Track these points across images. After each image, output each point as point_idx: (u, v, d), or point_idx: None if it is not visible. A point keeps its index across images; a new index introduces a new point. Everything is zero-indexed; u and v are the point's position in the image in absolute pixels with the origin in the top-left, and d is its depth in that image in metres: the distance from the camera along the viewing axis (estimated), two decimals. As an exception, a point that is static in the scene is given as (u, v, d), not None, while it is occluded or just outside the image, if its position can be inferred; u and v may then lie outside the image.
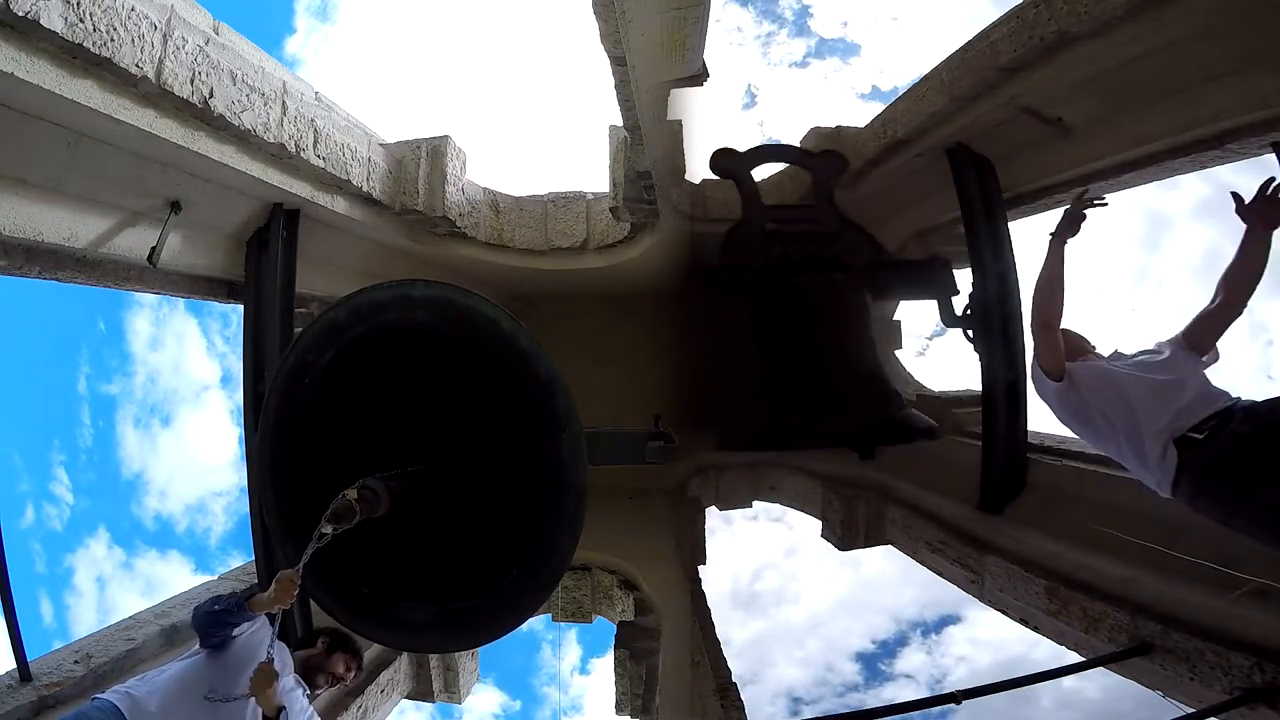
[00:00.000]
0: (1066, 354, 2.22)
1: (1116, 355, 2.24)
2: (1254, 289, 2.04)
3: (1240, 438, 1.77)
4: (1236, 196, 2.09)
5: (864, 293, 3.74)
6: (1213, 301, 2.08)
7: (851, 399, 3.37)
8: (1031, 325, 2.25)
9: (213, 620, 1.97)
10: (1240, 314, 2.05)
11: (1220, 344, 2.10)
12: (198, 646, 2.05)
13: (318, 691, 2.24)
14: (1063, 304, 2.19)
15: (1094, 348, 2.31)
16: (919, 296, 4.02)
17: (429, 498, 2.06)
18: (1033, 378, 2.33)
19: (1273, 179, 2.04)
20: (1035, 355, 2.27)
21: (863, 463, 4.21)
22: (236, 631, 2.01)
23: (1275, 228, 2.04)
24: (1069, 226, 2.28)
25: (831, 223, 3.79)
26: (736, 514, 5.89)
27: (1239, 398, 1.92)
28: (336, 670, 2.28)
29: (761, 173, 4.27)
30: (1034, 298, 2.24)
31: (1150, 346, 2.18)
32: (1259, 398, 1.89)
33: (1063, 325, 2.25)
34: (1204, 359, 2.08)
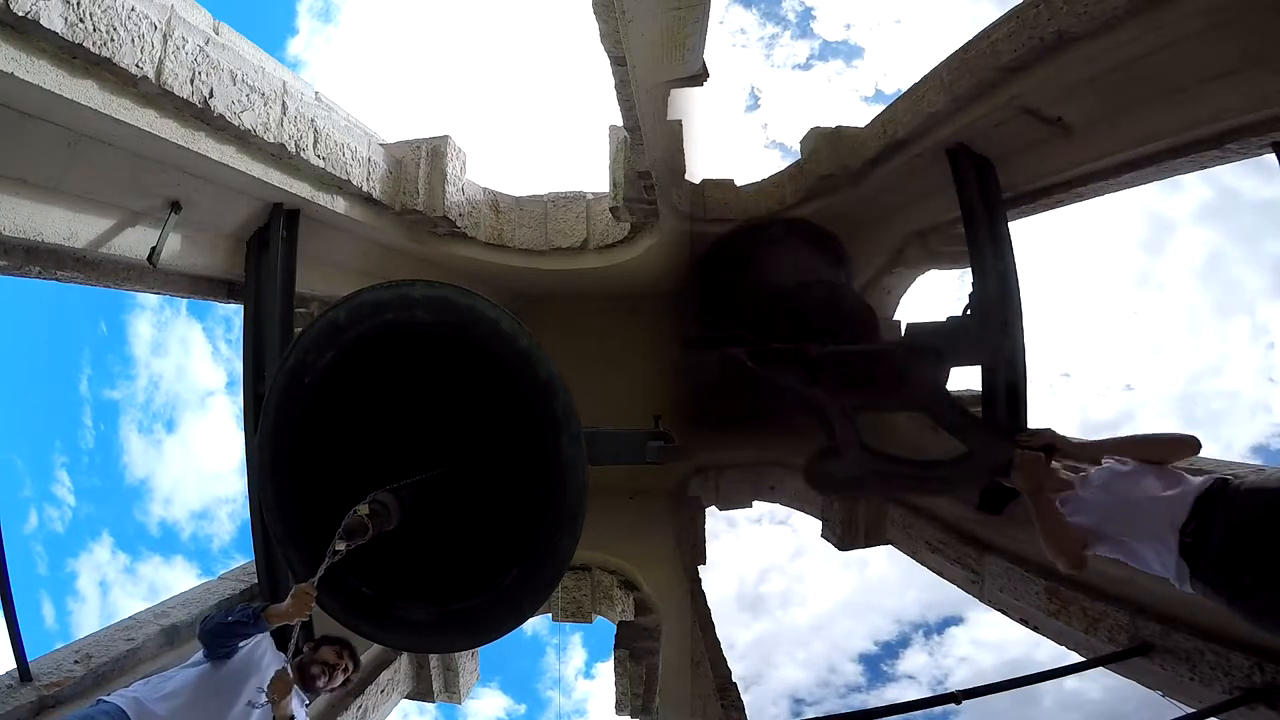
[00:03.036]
0: (1053, 487, 2.14)
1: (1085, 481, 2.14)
2: (1160, 451, 2.00)
3: (1221, 550, 1.74)
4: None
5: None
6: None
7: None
8: (1052, 556, 2.14)
9: (226, 631, 1.99)
10: (1193, 454, 2.01)
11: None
12: (201, 655, 2.05)
13: (318, 685, 2.24)
14: (1073, 541, 2.08)
15: (1081, 474, 2.19)
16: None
17: (429, 498, 2.06)
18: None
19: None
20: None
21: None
22: (243, 643, 2.02)
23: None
24: (1035, 484, 2.17)
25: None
26: (741, 517, 5.91)
27: (1207, 479, 1.87)
28: (326, 659, 2.27)
29: (762, 172, 4.27)
30: (1048, 550, 2.13)
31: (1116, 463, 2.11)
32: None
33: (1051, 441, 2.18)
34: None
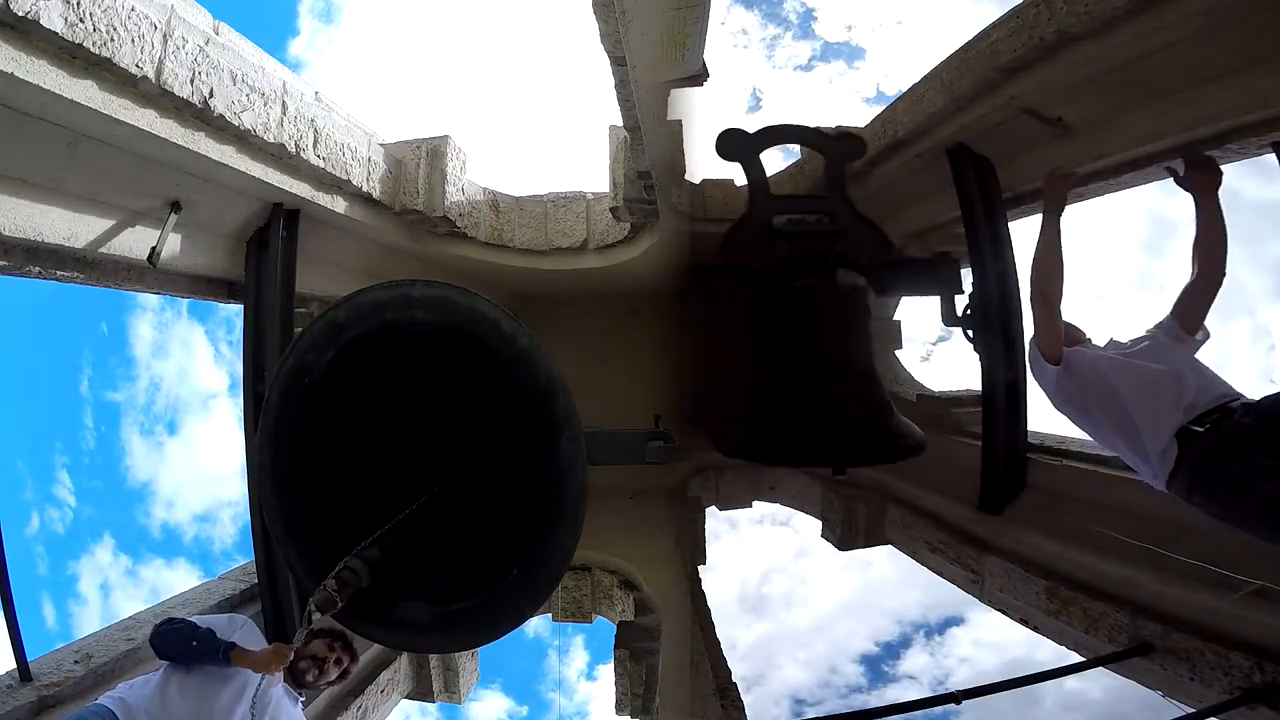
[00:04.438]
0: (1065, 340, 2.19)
1: (1112, 344, 2.21)
2: (1224, 254, 2.05)
3: (1243, 429, 1.75)
4: (1171, 170, 2.14)
5: (868, 295, 3.68)
6: (1192, 277, 2.09)
7: (844, 413, 3.32)
8: (1031, 300, 2.20)
9: (185, 652, 1.98)
10: (1220, 282, 2.05)
11: (1210, 324, 2.10)
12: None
13: (308, 680, 2.23)
14: (1063, 279, 2.15)
15: (1089, 339, 2.28)
16: (923, 293, 3.98)
17: (430, 499, 2.06)
18: (1030, 360, 2.27)
19: (1191, 147, 2.08)
20: (1034, 335, 2.21)
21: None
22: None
23: (1215, 189, 2.07)
24: (1055, 201, 2.28)
25: (844, 216, 3.60)
26: (743, 518, 5.93)
27: (1238, 392, 1.91)
28: (318, 653, 2.24)
29: (766, 169, 4.24)
30: (1032, 272, 2.20)
31: (1144, 333, 2.15)
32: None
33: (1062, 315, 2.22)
34: (1196, 338, 2.07)
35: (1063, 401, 2.20)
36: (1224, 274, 2.07)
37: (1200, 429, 1.80)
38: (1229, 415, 1.81)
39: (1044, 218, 2.27)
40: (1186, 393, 1.87)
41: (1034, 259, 2.22)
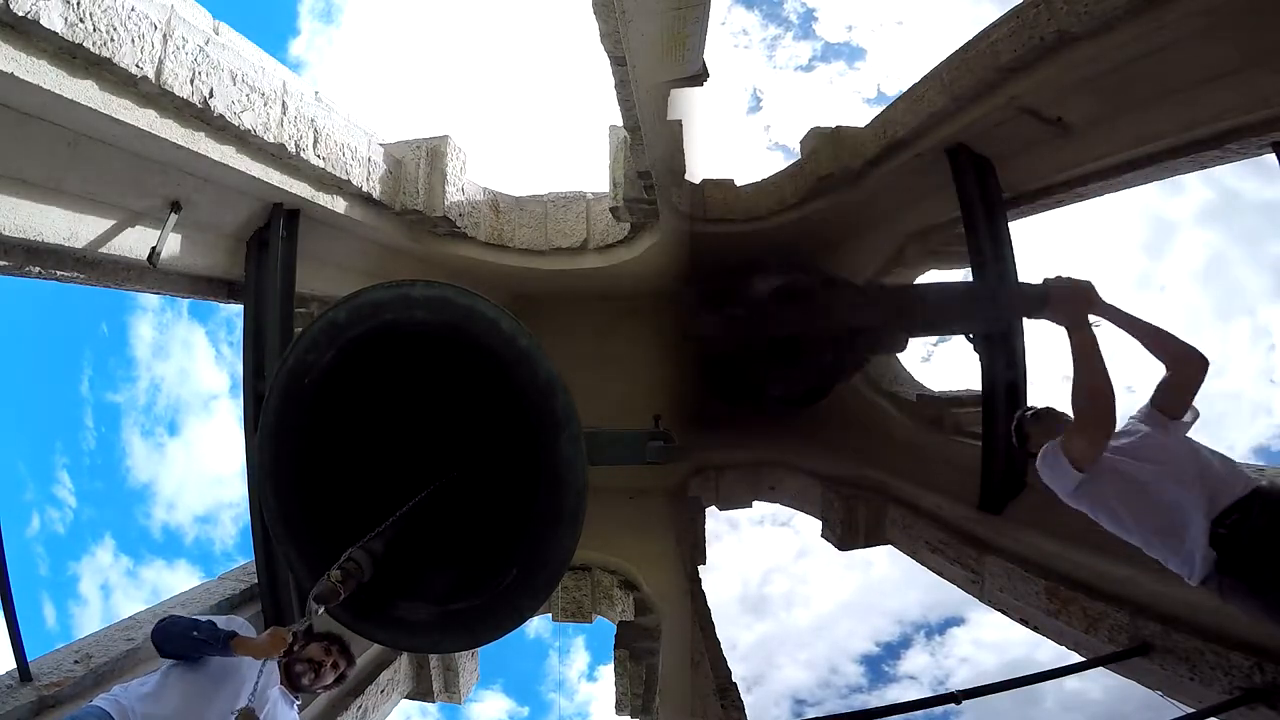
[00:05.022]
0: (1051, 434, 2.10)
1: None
2: (1180, 346, 1.97)
3: (1258, 532, 1.75)
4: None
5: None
6: (1167, 371, 2.01)
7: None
8: (1081, 414, 2.00)
9: (188, 644, 1.98)
10: (1200, 369, 1.97)
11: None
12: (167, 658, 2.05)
13: (303, 683, 2.22)
14: (1110, 394, 1.97)
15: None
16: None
17: (430, 499, 2.06)
18: (1044, 461, 2.08)
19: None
20: (1065, 442, 2.02)
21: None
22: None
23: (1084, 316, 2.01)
24: (1080, 319, 2.05)
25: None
26: (744, 518, 5.94)
27: (1256, 479, 1.87)
28: (314, 657, 2.23)
29: (760, 172, 4.27)
30: (1085, 392, 1.98)
31: (1127, 424, 2.06)
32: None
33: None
34: (1184, 420, 2.01)
35: (1080, 501, 2.07)
36: (1202, 360, 1.95)
37: (1223, 531, 1.78)
38: (1248, 514, 1.78)
39: (1075, 335, 2.03)
40: (1210, 490, 1.83)
41: (1086, 377, 1.99)
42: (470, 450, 2.15)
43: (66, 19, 1.87)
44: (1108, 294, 2.08)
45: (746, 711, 2.49)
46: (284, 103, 2.83)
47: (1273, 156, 2.65)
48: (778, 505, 5.94)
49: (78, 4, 1.90)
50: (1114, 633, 2.70)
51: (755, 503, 5.92)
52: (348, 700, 3.38)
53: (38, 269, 2.46)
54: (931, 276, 5.16)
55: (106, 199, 2.53)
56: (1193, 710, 2.30)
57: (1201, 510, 1.82)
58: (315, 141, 3.06)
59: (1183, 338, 2.00)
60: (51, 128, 2.17)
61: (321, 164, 3.10)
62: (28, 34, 1.83)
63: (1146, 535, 1.94)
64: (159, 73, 2.20)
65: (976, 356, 3.63)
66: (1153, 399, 2.04)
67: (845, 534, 4.86)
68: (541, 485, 1.86)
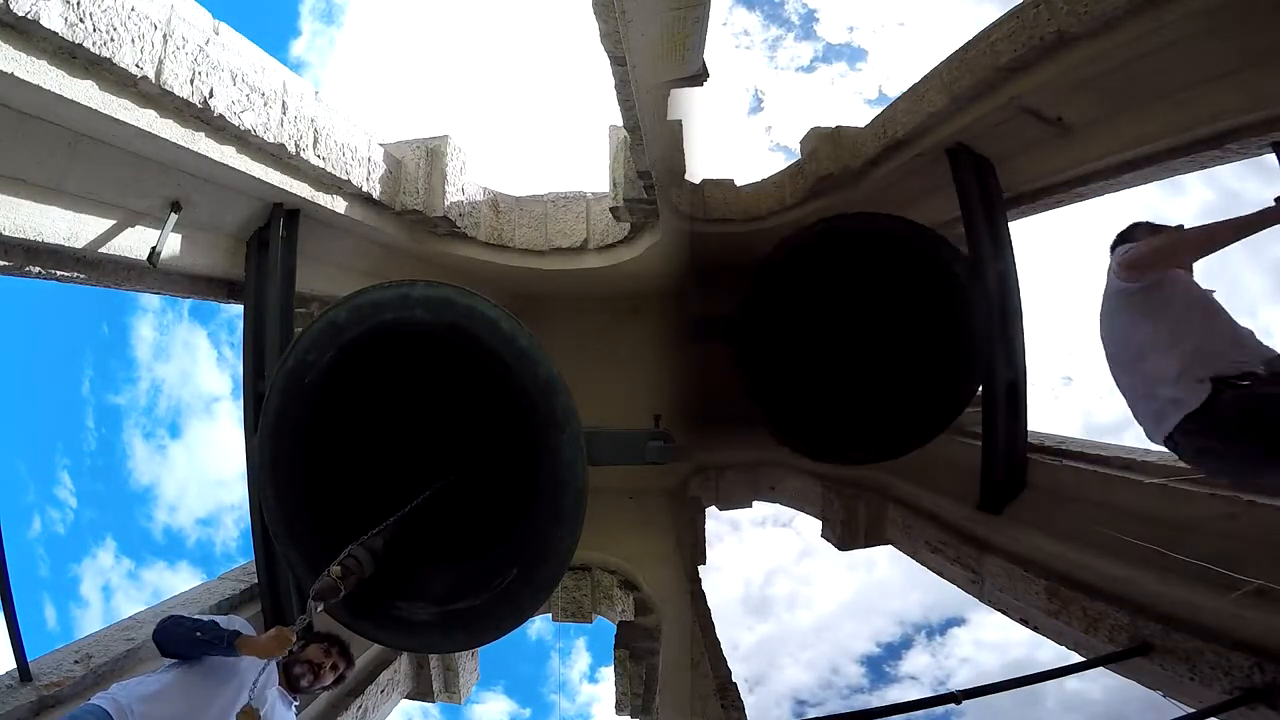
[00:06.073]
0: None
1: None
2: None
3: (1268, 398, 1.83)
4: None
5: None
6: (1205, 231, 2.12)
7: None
8: (1186, 232, 2.17)
9: (191, 645, 1.98)
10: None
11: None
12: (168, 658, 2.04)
13: (302, 685, 2.22)
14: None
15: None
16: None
17: (430, 499, 2.06)
18: (1123, 256, 2.19)
19: None
20: (1145, 252, 2.15)
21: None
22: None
23: None
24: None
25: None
26: (745, 519, 5.94)
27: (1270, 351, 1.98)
28: (313, 658, 2.22)
29: (761, 173, 4.27)
30: (1215, 226, 2.12)
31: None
32: None
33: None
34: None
35: (1129, 306, 2.18)
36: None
37: (1244, 383, 1.88)
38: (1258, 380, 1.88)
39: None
40: (1246, 344, 1.97)
41: (1235, 222, 2.13)
42: (470, 450, 2.15)
43: (66, 19, 1.87)
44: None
45: (747, 711, 2.49)
46: (284, 103, 2.83)
47: (1273, 156, 2.64)
48: (778, 506, 5.94)
49: (78, 4, 1.90)
50: (1114, 633, 2.70)
51: (755, 503, 5.92)
52: (348, 700, 3.38)
53: (38, 269, 2.45)
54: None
55: (106, 199, 2.53)
56: (1193, 710, 2.29)
57: (1234, 350, 1.95)
58: (315, 141, 3.06)
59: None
60: (51, 128, 2.17)
61: (321, 164, 3.10)
62: (28, 34, 1.83)
63: (1177, 351, 2.01)
64: (159, 73, 2.20)
65: None
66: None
67: (845, 534, 4.86)
68: (541, 485, 1.86)
